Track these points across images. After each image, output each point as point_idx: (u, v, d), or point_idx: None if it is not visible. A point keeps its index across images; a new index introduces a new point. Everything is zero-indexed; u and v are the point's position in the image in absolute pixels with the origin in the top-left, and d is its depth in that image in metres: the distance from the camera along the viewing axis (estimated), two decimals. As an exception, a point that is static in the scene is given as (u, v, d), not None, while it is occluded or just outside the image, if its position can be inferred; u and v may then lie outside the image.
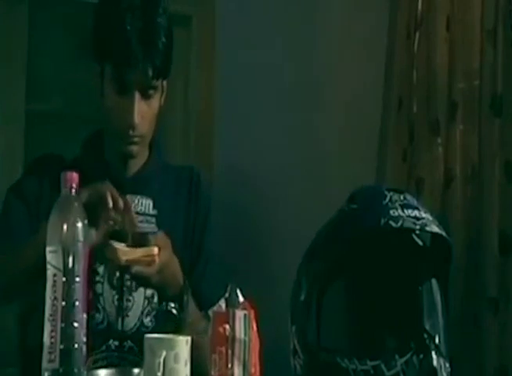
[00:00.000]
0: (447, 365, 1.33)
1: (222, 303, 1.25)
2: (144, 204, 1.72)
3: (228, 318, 1.21)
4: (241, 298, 1.25)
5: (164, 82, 1.70)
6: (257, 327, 1.23)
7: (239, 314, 1.21)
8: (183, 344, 1.21)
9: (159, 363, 1.18)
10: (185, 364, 1.21)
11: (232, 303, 1.24)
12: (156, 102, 1.67)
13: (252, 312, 1.23)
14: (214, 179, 2.68)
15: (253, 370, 1.21)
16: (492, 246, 2.04)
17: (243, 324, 1.21)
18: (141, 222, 1.69)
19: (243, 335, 1.20)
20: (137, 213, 1.68)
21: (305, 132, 2.62)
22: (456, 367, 1.36)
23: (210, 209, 1.81)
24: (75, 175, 1.20)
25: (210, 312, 1.24)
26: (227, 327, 1.20)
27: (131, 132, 1.63)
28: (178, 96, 2.91)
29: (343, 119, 2.52)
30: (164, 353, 1.19)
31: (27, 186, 1.70)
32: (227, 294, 1.25)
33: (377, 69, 2.35)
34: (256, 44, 2.81)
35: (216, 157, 2.91)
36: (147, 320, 1.67)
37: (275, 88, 2.72)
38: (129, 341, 1.66)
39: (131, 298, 1.66)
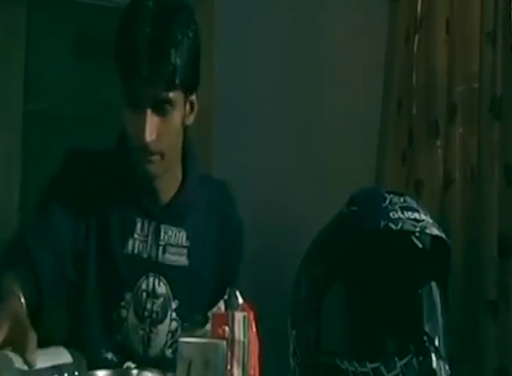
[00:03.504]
0: (446, 367, 1.33)
1: (221, 305, 1.25)
2: (178, 236, 1.64)
3: (228, 320, 1.20)
4: (240, 300, 1.24)
5: (193, 97, 1.57)
6: (257, 328, 1.23)
7: (239, 316, 1.21)
8: (215, 349, 1.19)
9: (189, 369, 1.16)
10: (216, 370, 1.19)
11: (231, 305, 1.23)
12: (177, 117, 1.54)
13: (251, 314, 1.23)
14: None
15: (252, 372, 1.21)
16: (492, 248, 2.04)
17: (242, 326, 1.21)
18: (173, 254, 1.63)
19: (242, 337, 1.20)
20: (170, 245, 1.63)
21: (305, 134, 2.62)
22: (455, 369, 1.36)
23: (243, 238, 1.76)
24: None
25: (209, 314, 1.23)
26: (226, 328, 1.19)
27: (145, 150, 1.51)
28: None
29: (342, 121, 2.52)
30: (196, 358, 1.16)
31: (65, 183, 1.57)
32: (226, 296, 1.24)
33: (377, 71, 2.35)
34: (256, 43, 2.81)
35: (216, 158, 2.90)
36: (169, 352, 1.62)
37: (275, 88, 2.72)
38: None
39: (155, 330, 1.61)
